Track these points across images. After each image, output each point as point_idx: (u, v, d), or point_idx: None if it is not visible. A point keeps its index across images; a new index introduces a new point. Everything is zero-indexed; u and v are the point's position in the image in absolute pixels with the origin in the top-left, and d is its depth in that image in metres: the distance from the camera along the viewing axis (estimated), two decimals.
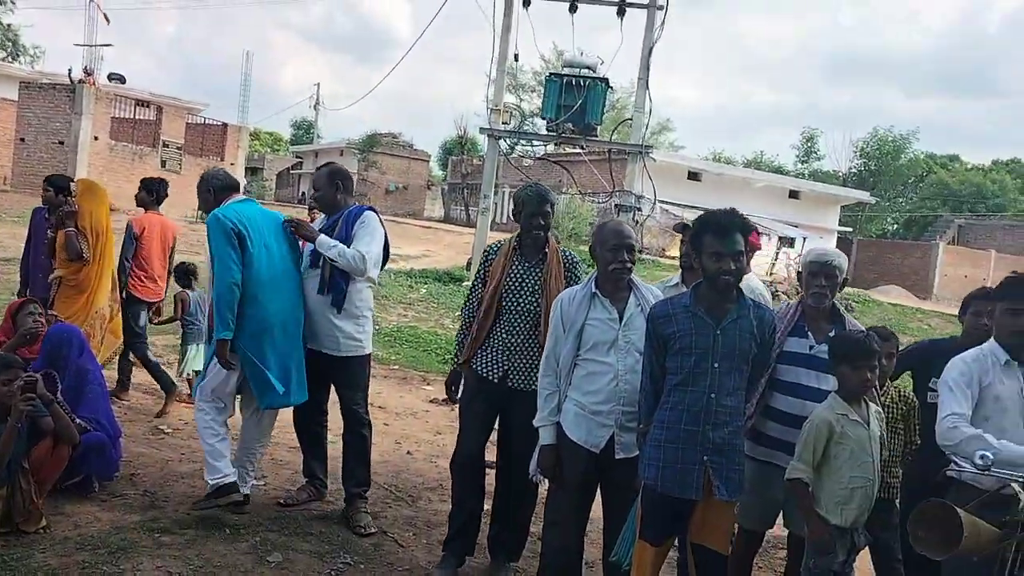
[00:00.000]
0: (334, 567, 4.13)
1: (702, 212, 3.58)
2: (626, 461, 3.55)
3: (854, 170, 46.81)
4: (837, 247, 27.18)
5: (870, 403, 3.57)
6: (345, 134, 59.32)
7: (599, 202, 25.61)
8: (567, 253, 4.29)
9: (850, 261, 29.15)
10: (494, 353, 4.18)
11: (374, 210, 4.88)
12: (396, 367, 9.55)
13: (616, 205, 13.67)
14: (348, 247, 4.53)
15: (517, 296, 4.16)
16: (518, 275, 4.18)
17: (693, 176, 31.87)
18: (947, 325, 14.15)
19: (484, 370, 4.19)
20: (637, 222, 13.36)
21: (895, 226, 46.80)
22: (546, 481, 3.82)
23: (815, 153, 49.51)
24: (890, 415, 3.84)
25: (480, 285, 4.30)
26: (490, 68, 15.14)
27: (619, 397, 3.55)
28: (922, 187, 47.74)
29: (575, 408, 3.62)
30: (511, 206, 4.54)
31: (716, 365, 3.29)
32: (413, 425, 7.26)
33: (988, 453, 2.96)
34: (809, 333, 3.80)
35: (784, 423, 3.71)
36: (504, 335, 4.16)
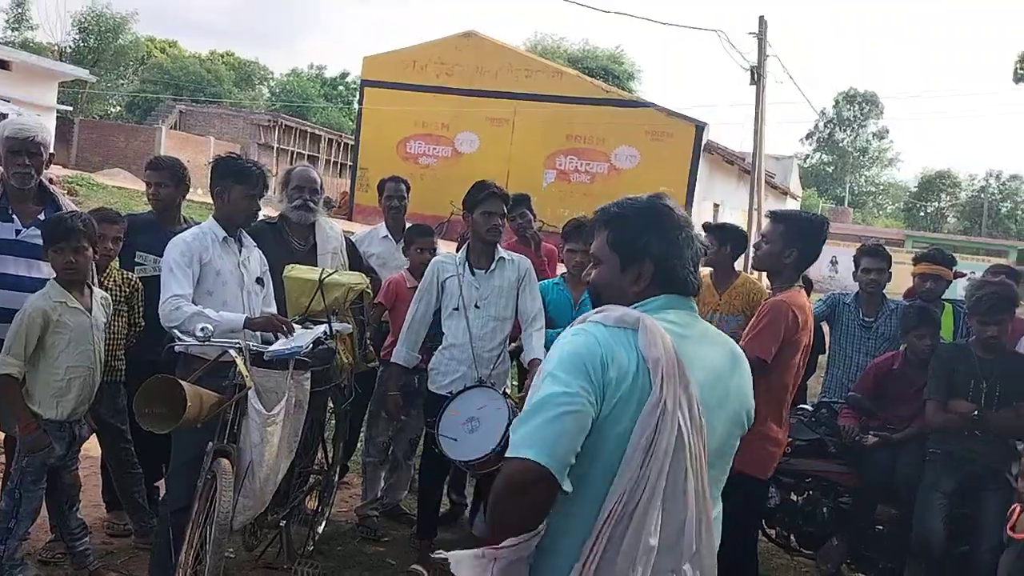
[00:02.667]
0: None
1: None
2: None
3: (71, 45, 43.64)
4: (58, 126, 25.24)
5: (94, 288, 3.39)
6: None
7: None
8: None
9: (72, 142, 27.50)
10: None
11: None
12: None
13: None
14: None
15: None
16: None
17: None
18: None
19: None
20: None
21: (118, 108, 45.75)
22: None
23: (27, 21, 44.44)
24: (115, 298, 3.72)
25: None
26: None
27: None
28: (144, 69, 47.49)
29: None
30: None
31: None
32: None
33: (208, 325, 3.09)
34: (15, 216, 3.38)
35: None
36: None
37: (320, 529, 4.16)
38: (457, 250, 4.47)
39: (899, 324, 4.42)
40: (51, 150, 3.51)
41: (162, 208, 4.15)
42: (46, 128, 3.54)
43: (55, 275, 3.22)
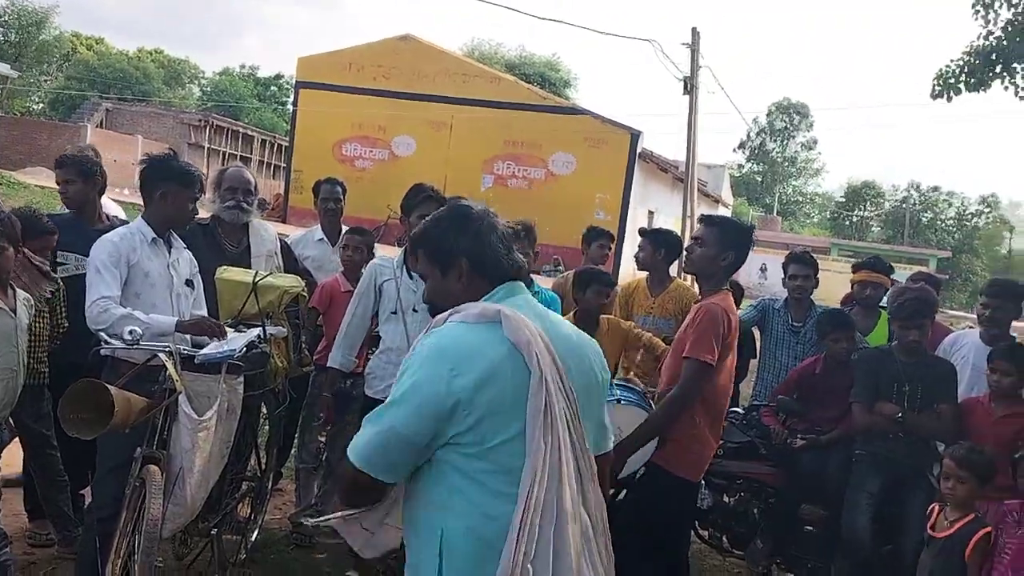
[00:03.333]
0: None
1: None
2: None
3: None
4: None
5: (18, 290, 3.26)
6: None
7: None
8: None
9: None
10: None
11: None
12: None
13: None
14: None
15: None
16: None
17: None
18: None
19: None
20: None
21: (41, 105, 44.12)
22: None
23: None
24: (36, 299, 3.58)
25: None
26: None
27: None
28: (68, 66, 45.93)
29: None
30: None
31: None
32: None
33: (136, 328, 3.01)
34: None
35: None
36: None
37: (253, 537, 4.08)
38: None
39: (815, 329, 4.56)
40: None
41: (75, 206, 4.02)
42: None
43: None
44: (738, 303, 5.87)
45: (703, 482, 4.39)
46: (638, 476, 3.44)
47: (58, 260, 3.90)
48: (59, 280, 3.78)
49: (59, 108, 41.85)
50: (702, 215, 3.74)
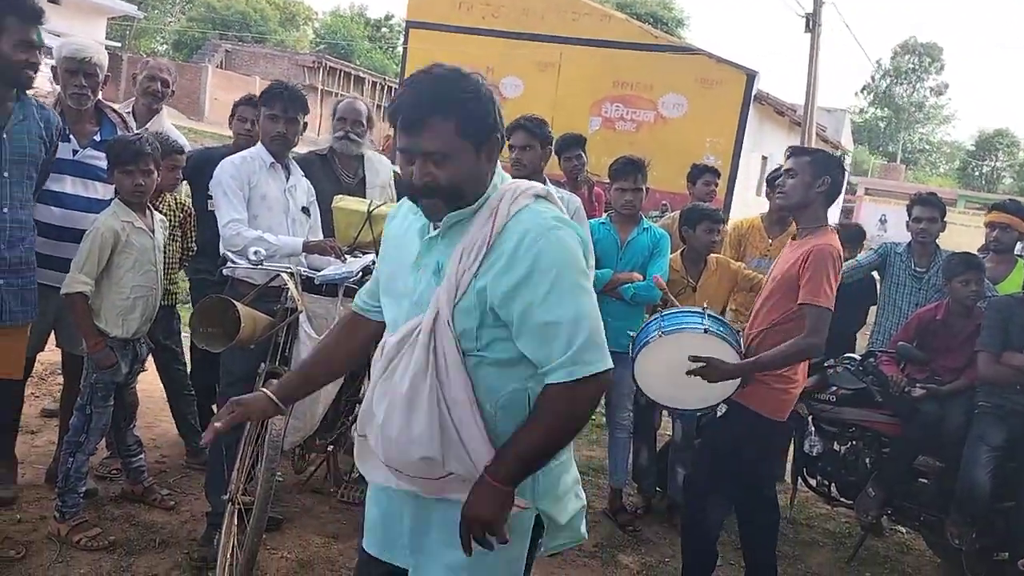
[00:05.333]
0: None
1: None
2: None
3: None
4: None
5: (154, 211, 3.45)
6: None
7: None
8: None
9: (120, 79, 27.74)
10: None
11: None
12: None
13: None
14: None
15: None
16: None
17: None
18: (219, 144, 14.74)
19: None
20: None
21: (165, 46, 45.94)
22: None
23: None
24: (170, 222, 3.78)
25: None
26: None
27: None
28: (190, 8, 47.53)
29: None
30: None
31: (6, 175, 2.80)
32: None
33: (261, 249, 3.14)
34: (72, 137, 3.42)
35: (51, 237, 3.33)
36: None
37: None
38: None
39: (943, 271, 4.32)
40: (106, 72, 3.53)
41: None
42: (102, 50, 3.57)
43: (119, 195, 3.26)
44: (860, 245, 5.65)
45: (812, 428, 4.30)
46: (719, 413, 3.38)
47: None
48: (189, 205, 3.97)
49: (182, 49, 43.48)
50: (789, 147, 3.48)
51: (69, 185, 3.38)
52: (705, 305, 3.27)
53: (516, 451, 1.72)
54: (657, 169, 4.45)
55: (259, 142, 3.58)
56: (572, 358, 1.67)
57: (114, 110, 3.70)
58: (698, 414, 3.75)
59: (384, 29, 53.36)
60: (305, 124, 3.56)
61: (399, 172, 2.11)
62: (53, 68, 3.51)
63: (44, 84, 4.15)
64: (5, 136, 2.80)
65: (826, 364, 4.24)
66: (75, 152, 3.41)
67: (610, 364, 1.71)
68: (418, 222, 1.86)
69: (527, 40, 21.71)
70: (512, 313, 1.69)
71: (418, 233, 1.85)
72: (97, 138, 3.47)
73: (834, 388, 4.21)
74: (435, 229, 1.82)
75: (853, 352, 4.74)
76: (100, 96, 3.59)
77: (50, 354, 4.23)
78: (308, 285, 3.32)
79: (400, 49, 30.16)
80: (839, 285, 3.15)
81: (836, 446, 4.28)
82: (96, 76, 3.45)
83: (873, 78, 58.43)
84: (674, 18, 42.42)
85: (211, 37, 40.38)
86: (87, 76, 3.41)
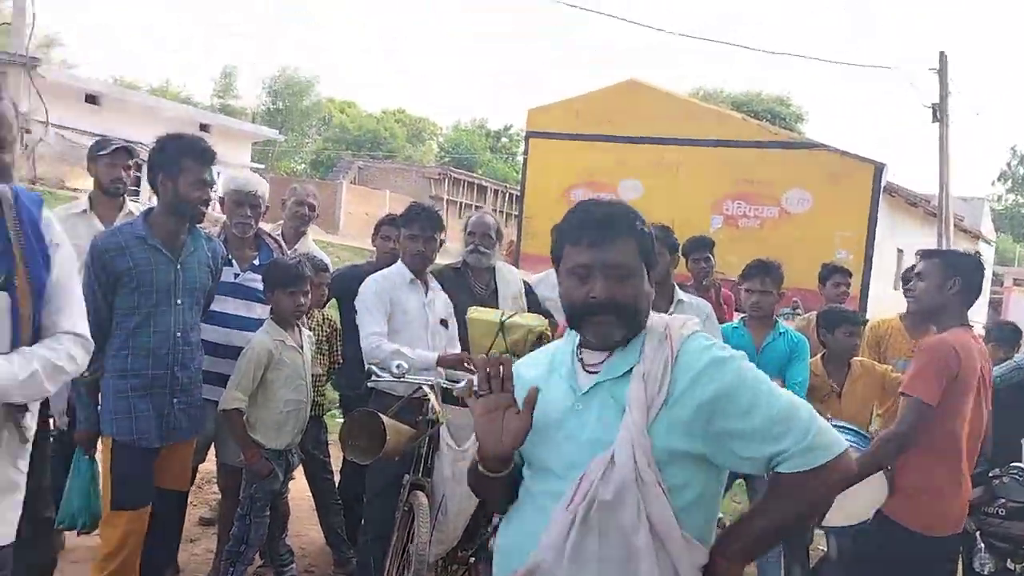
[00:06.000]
0: None
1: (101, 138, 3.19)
2: None
3: (263, 107, 47.83)
4: None
5: (302, 328, 3.65)
6: None
7: None
8: None
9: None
10: None
11: None
12: None
13: None
14: None
15: None
16: None
17: (92, 99, 28.80)
18: (353, 257, 15.48)
19: None
20: (26, 146, 11.50)
21: (303, 165, 49.36)
22: None
23: (232, 91, 49.46)
24: (317, 337, 3.99)
25: None
26: None
27: None
28: (326, 129, 51.13)
29: None
30: None
31: (179, 302, 3.04)
32: None
33: (403, 363, 3.27)
34: (234, 262, 3.71)
35: (214, 354, 3.57)
36: None
37: None
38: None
39: None
40: (267, 204, 3.85)
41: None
42: (264, 183, 3.90)
43: (273, 314, 3.49)
44: (1017, 344, 5.30)
45: (982, 544, 3.97)
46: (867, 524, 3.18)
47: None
48: (335, 320, 4.19)
49: (318, 167, 46.56)
50: (919, 250, 3.37)
51: (231, 306, 3.64)
52: (828, 415, 3.16)
53: (752, 531, 1.73)
54: (784, 266, 4.37)
55: (400, 259, 3.77)
56: (808, 445, 1.63)
57: (271, 236, 4.00)
58: (851, 529, 3.55)
59: (504, 139, 55.53)
60: (442, 242, 3.74)
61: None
62: (220, 199, 3.85)
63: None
64: (180, 267, 3.07)
65: (991, 475, 3.94)
66: (236, 276, 3.69)
67: (844, 444, 1.67)
68: (555, 371, 1.81)
69: (644, 144, 22.07)
70: (721, 425, 1.65)
71: (565, 378, 1.78)
72: (256, 262, 3.75)
73: (1002, 500, 3.89)
74: (587, 369, 1.76)
75: (1020, 461, 4.39)
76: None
77: (205, 463, 4.45)
78: (447, 396, 3.41)
79: (520, 157, 31.22)
80: (999, 389, 2.97)
81: (1010, 564, 3.92)
82: (259, 207, 3.76)
83: (1009, 165, 55.72)
84: (792, 114, 42.20)
85: (344, 156, 43.08)
86: (251, 207, 3.73)
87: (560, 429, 1.73)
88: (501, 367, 1.70)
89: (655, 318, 1.79)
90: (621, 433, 1.64)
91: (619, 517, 1.62)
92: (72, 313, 2.08)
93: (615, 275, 1.71)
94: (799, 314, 6.38)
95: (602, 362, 1.75)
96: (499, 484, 1.77)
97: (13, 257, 1.96)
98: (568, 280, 1.77)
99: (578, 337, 1.80)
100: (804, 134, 34.65)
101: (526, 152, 26.53)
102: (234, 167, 32.00)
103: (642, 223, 1.79)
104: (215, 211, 3.94)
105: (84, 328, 2.10)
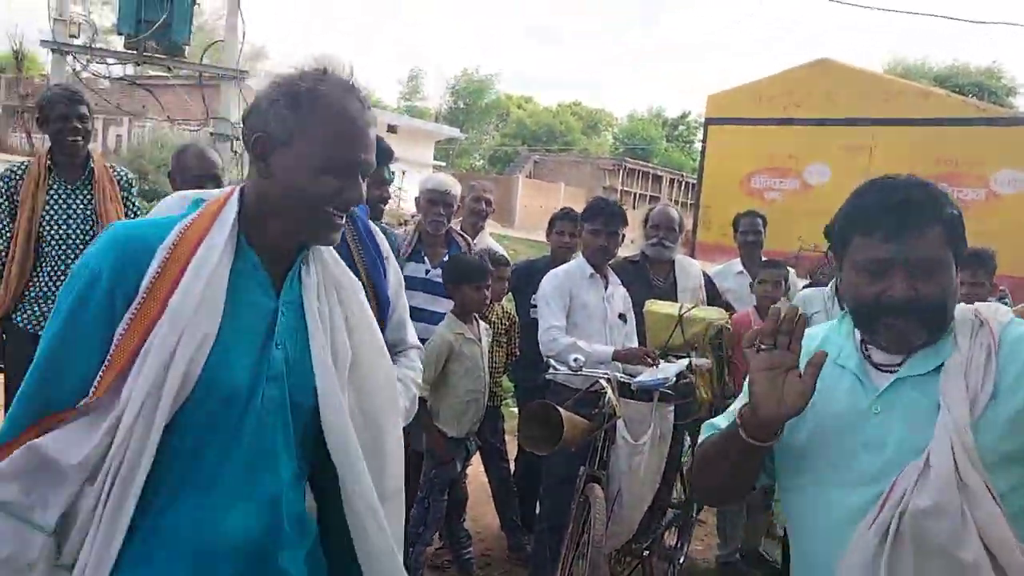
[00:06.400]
0: None
1: None
2: None
3: (446, 107, 49.62)
4: None
5: (479, 321, 3.78)
6: None
7: (191, 129, 23.71)
8: (119, 171, 3.67)
9: None
10: (41, 303, 3.42)
11: None
12: None
13: (211, 133, 12.74)
14: None
15: (62, 227, 3.44)
16: (60, 201, 3.44)
17: None
18: (529, 250, 15.75)
19: (32, 325, 3.41)
20: (236, 152, 12.59)
21: (481, 161, 50.76)
22: None
23: (419, 93, 51.88)
24: (495, 330, 4.11)
25: (6, 219, 3.44)
26: None
27: None
28: (503, 125, 52.25)
29: None
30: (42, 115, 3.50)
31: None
32: None
33: (580, 356, 3.30)
34: (426, 258, 3.89)
35: None
36: (49, 278, 3.42)
37: (680, 563, 4.16)
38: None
39: None
40: (459, 203, 4.02)
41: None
42: (457, 184, 4.09)
43: (455, 308, 3.64)
44: None
45: None
46: None
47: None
48: (514, 314, 4.30)
49: (496, 163, 47.68)
50: None
51: (420, 300, 3.81)
52: None
53: None
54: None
55: (580, 253, 3.81)
56: None
57: (460, 233, 4.16)
58: None
59: (681, 127, 54.40)
60: (623, 236, 3.73)
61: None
62: (416, 199, 4.06)
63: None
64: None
65: None
66: (427, 271, 3.87)
67: None
68: (834, 361, 1.56)
69: (833, 125, 20.90)
70: None
71: (851, 372, 1.55)
72: (446, 259, 3.92)
73: None
74: (877, 367, 1.54)
75: None
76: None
77: None
78: (624, 390, 3.41)
79: (697, 145, 30.47)
80: None
81: None
82: (452, 206, 3.95)
83: None
84: (1004, 87, 38.45)
85: (521, 150, 43.85)
86: (445, 206, 3.91)
87: (855, 434, 1.50)
88: (795, 321, 1.43)
89: (959, 308, 1.56)
90: (937, 433, 1.42)
91: (938, 528, 1.38)
92: (409, 325, 2.03)
93: (919, 271, 1.47)
94: (1007, 303, 5.84)
95: (899, 364, 1.52)
96: (756, 458, 1.54)
97: (358, 271, 1.80)
98: (856, 275, 1.52)
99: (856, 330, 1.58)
100: (1018, 108, 31.50)
101: (704, 139, 25.86)
102: (418, 166, 33.48)
103: (950, 205, 1.52)
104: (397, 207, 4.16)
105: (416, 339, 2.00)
